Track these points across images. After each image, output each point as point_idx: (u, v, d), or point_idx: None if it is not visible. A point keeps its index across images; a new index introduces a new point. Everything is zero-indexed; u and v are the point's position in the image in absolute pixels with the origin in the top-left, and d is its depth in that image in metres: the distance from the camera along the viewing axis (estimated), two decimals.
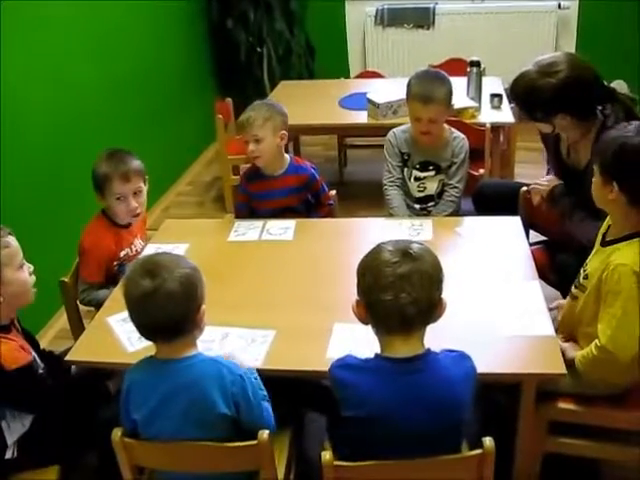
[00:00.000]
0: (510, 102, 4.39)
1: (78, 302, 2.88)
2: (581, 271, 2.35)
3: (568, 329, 2.39)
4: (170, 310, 1.86)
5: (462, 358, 1.90)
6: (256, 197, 3.27)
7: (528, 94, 2.74)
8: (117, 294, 2.64)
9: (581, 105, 2.70)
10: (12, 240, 2.23)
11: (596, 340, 2.14)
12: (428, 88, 3.15)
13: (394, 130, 3.40)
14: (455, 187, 3.30)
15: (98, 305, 2.74)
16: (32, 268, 2.32)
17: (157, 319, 1.87)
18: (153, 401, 1.93)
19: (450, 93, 3.20)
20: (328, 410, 1.96)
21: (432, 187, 3.34)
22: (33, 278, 2.31)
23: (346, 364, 1.89)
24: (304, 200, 3.30)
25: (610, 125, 2.63)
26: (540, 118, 2.77)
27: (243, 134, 3.12)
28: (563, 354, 2.18)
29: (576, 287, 2.37)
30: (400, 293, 1.74)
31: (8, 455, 2.23)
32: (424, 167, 3.32)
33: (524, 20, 6.09)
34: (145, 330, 1.93)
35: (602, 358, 2.13)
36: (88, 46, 4.22)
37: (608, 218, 2.33)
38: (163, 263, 1.91)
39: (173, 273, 1.87)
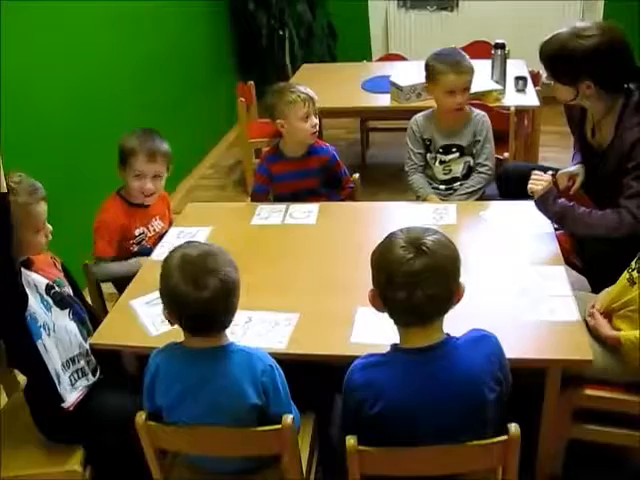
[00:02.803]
0: (532, 84, 4.35)
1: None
2: (635, 263, 2.26)
3: (609, 309, 2.33)
4: (208, 313, 1.86)
5: (482, 339, 1.87)
6: (277, 179, 3.27)
7: (557, 53, 2.69)
8: (140, 277, 2.65)
9: (607, 75, 2.64)
10: (39, 206, 2.26)
11: None
12: (457, 58, 3.21)
13: (416, 117, 3.41)
14: (484, 165, 3.31)
15: (110, 278, 2.78)
16: (51, 229, 2.33)
17: (195, 319, 1.89)
18: (179, 388, 1.93)
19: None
20: None
21: (457, 169, 3.35)
22: (49, 238, 2.33)
23: (366, 364, 1.85)
24: (325, 182, 3.30)
25: (634, 105, 2.60)
26: (565, 81, 2.71)
27: (303, 110, 3.10)
28: (597, 331, 2.18)
29: (628, 278, 2.28)
30: (415, 291, 1.70)
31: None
32: (447, 150, 3.32)
33: (549, 2, 6.01)
34: (182, 324, 1.93)
35: None
36: (110, 30, 4.22)
37: None
38: (208, 267, 1.86)
39: (215, 278, 1.84)
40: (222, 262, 1.89)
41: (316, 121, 3.14)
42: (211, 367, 1.92)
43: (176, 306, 1.88)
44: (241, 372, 1.91)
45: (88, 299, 2.88)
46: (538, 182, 2.74)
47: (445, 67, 3.19)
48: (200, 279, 1.83)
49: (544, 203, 2.71)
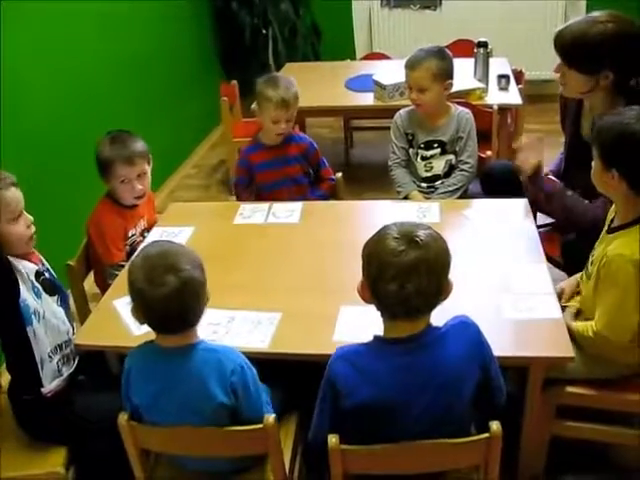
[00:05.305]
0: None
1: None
2: (589, 257, 2.33)
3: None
4: (168, 311, 1.84)
5: (466, 327, 1.88)
6: (258, 168, 3.30)
7: (578, 41, 2.66)
8: (122, 277, 2.64)
9: (629, 63, 2.63)
10: (9, 192, 2.21)
11: (592, 323, 2.16)
12: (418, 56, 3.22)
13: (400, 111, 3.42)
14: (467, 162, 3.30)
15: None
16: (32, 219, 2.30)
17: (157, 318, 1.88)
18: (153, 388, 1.93)
19: (443, 68, 3.20)
20: None
21: (439, 166, 3.34)
22: (32, 230, 2.29)
23: (348, 353, 1.86)
24: (306, 172, 3.34)
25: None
26: (585, 70, 2.68)
27: (273, 113, 3.13)
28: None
29: (584, 273, 2.35)
30: (406, 284, 1.70)
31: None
32: (428, 146, 3.33)
33: (532, 1, 6.02)
34: (148, 323, 1.92)
35: (598, 342, 2.15)
36: (92, 29, 4.20)
37: (614, 205, 2.30)
38: (166, 264, 1.84)
39: (173, 275, 1.82)
40: (182, 260, 1.86)
41: (284, 126, 3.16)
42: (180, 366, 1.91)
43: (140, 304, 1.88)
44: (208, 371, 1.90)
45: (71, 300, 2.87)
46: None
47: (406, 61, 3.26)
48: (156, 277, 1.81)
49: (535, 181, 2.69)
